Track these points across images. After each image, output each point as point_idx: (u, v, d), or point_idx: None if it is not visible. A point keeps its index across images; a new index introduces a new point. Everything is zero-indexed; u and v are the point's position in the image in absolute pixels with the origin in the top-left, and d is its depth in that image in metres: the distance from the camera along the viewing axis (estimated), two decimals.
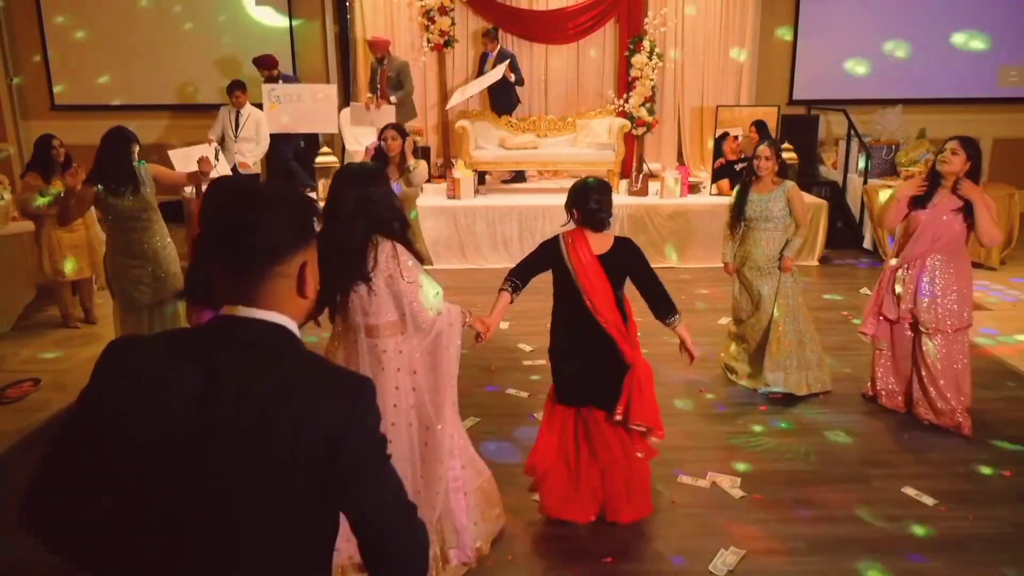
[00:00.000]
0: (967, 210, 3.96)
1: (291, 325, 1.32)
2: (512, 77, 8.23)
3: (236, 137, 7.50)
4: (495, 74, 8.14)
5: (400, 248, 2.71)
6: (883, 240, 7.36)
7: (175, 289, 4.41)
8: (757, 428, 4.24)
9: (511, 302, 3.19)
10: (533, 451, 3.33)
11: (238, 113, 7.58)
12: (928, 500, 3.49)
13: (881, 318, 4.30)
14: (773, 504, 3.49)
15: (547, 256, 3.16)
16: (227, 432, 1.21)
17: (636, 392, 3.10)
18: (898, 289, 4.18)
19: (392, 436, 2.76)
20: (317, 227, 1.36)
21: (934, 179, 4.07)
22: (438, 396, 2.91)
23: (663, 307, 3.16)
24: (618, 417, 3.11)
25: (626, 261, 3.13)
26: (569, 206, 3.15)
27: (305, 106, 7.70)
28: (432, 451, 2.89)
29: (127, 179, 4.21)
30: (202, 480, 1.21)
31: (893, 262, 4.23)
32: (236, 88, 7.60)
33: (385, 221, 2.68)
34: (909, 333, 4.24)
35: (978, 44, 9.27)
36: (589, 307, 3.07)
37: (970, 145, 4.00)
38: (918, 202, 4.09)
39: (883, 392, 4.42)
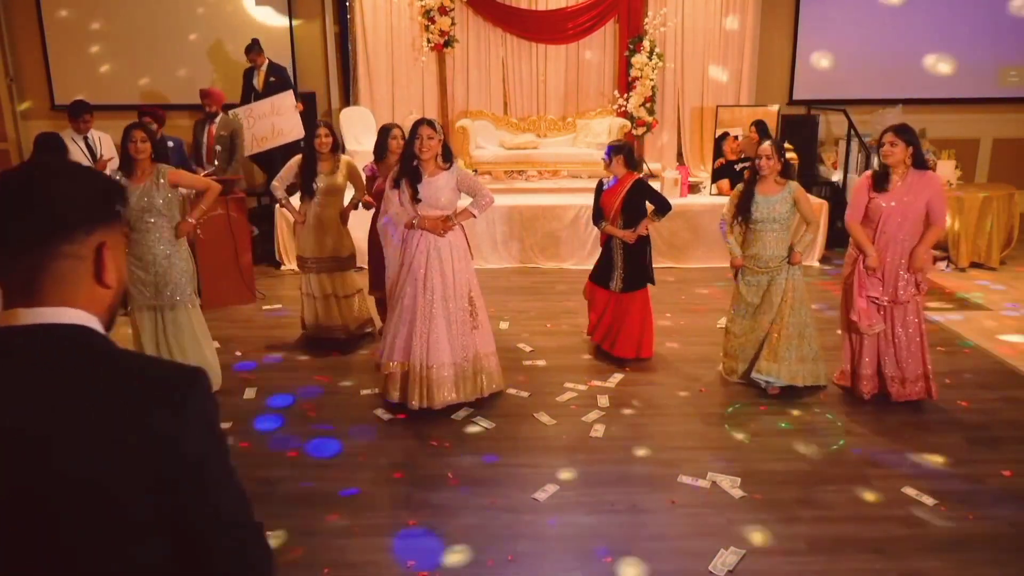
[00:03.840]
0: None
1: (91, 322, 1.08)
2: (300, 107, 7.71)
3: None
4: (286, 101, 7.55)
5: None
6: None
7: (175, 299, 4.44)
8: (757, 428, 4.24)
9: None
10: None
11: (86, 139, 6.22)
12: (928, 500, 3.50)
13: (866, 304, 4.38)
14: (773, 504, 3.49)
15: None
16: (49, 474, 1.00)
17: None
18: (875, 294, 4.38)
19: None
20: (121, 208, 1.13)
21: (884, 168, 4.28)
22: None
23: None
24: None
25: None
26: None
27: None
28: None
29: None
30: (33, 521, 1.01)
31: (869, 262, 4.36)
32: (83, 111, 6.16)
33: None
34: (880, 311, 4.39)
35: (978, 44, 9.27)
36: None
37: (904, 132, 4.22)
38: (878, 184, 4.30)
39: (863, 377, 4.47)
